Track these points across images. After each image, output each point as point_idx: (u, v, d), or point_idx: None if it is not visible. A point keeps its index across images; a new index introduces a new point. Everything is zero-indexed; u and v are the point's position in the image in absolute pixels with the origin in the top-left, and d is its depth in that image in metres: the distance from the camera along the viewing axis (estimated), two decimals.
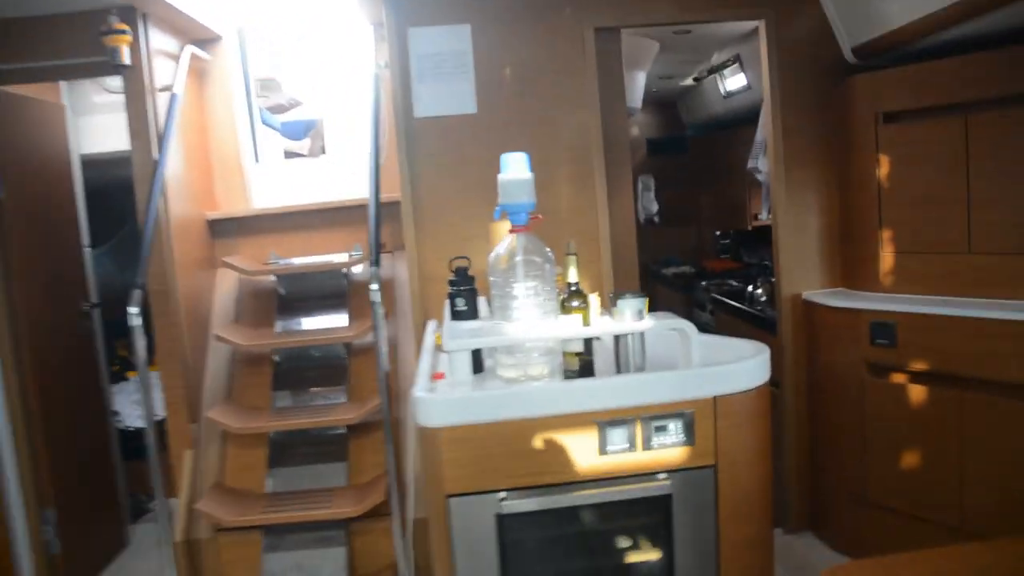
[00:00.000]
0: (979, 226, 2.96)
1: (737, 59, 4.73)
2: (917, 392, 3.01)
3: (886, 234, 3.26)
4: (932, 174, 3.08)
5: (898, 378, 3.09)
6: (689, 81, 5.47)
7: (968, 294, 3.02)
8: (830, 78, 3.47)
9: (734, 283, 5.18)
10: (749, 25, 4.07)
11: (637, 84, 4.80)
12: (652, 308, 2.12)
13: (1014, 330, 2.72)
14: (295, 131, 5.45)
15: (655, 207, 6.31)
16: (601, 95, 3.40)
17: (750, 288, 4.55)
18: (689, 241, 6.57)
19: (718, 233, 6.40)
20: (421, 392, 1.97)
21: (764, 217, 5.35)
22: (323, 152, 5.30)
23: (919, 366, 3.01)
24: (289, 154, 5.35)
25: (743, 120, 5.38)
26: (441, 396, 1.99)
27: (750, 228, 5.45)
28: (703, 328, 2.62)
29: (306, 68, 5.56)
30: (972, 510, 2.87)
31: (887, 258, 3.27)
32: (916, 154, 3.13)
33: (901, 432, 3.07)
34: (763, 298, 4.46)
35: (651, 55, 4.62)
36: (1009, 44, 2.81)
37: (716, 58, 4.92)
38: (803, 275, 3.56)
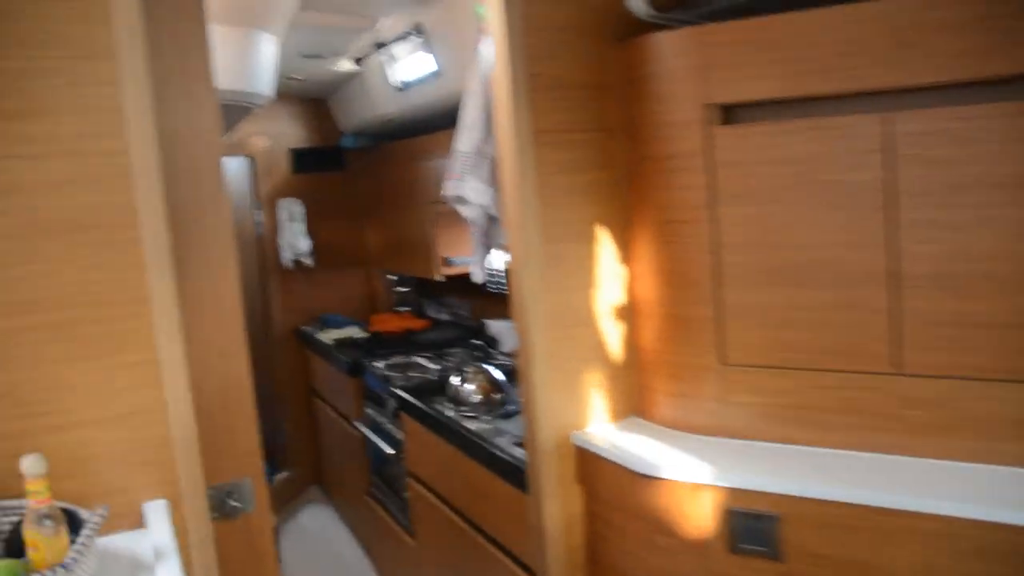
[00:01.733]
0: (913, 319, 1.56)
1: (418, 31, 3.06)
2: None
3: (731, 327, 1.77)
4: (819, 217, 1.64)
5: None
6: (346, 64, 3.71)
7: (896, 448, 1.61)
8: (610, 44, 1.93)
9: (424, 363, 3.51)
10: None
11: (261, 56, 2.92)
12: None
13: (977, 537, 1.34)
14: None
15: (305, 243, 4.46)
16: (155, 66, 1.50)
17: (455, 381, 2.90)
18: (356, 289, 4.80)
19: (393, 278, 4.73)
20: None
21: (463, 263, 3.77)
22: None
23: None
24: None
25: (427, 124, 3.75)
26: None
27: (439, 278, 3.83)
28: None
29: None
30: None
31: (733, 375, 1.78)
32: (782, 182, 1.68)
33: None
34: (475, 398, 2.84)
35: (285, 7, 2.79)
36: None
37: (385, 27, 3.21)
38: (569, 395, 1.96)
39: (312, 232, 4.54)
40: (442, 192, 2.58)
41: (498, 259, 3.77)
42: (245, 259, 4.80)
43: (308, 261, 4.52)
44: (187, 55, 1.61)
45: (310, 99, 4.55)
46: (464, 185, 2.49)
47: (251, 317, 4.90)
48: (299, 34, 3.17)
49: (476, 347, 3.79)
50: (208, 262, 1.65)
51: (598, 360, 1.98)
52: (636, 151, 1.92)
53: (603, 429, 1.96)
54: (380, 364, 3.52)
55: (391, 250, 4.41)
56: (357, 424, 3.62)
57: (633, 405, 2.03)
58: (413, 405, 2.97)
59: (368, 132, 4.50)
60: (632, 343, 2.01)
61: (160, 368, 1.47)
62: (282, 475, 4.73)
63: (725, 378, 1.78)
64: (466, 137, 2.46)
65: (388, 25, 3.19)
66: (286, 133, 4.55)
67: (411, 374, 3.34)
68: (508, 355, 3.64)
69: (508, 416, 2.73)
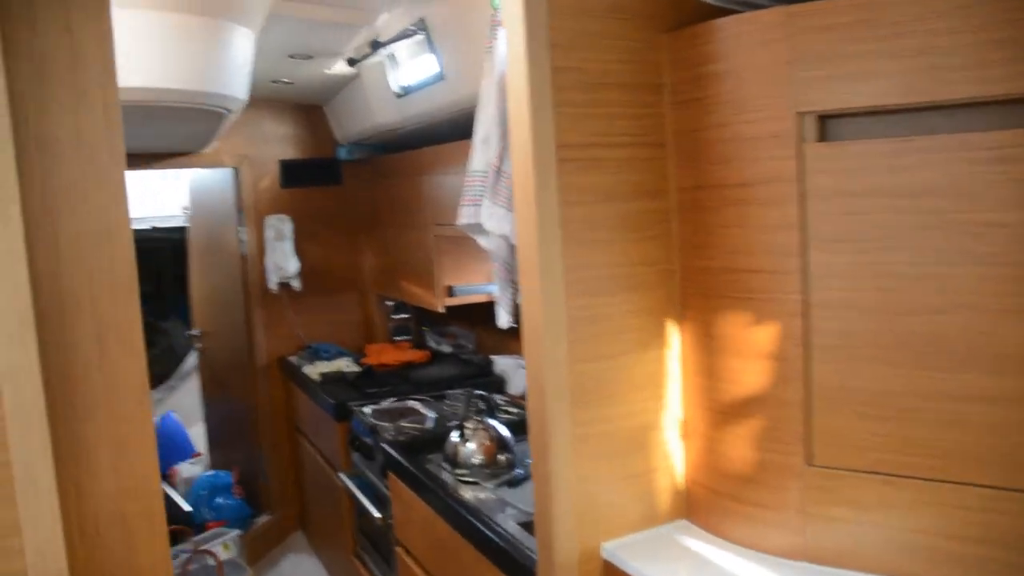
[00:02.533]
0: None
1: (420, 27, 2.62)
2: None
3: (824, 416, 1.30)
4: (957, 271, 1.17)
5: None
6: (340, 66, 3.26)
7: None
8: (660, 32, 1.47)
9: (420, 408, 3.05)
10: None
11: (233, 52, 2.48)
12: None
13: None
14: None
15: (294, 264, 4.01)
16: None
17: (454, 438, 2.43)
18: (349, 316, 4.34)
19: (390, 303, 4.27)
20: None
21: (468, 292, 3.31)
22: None
23: None
24: None
25: (432, 134, 3.31)
26: None
27: (441, 310, 3.36)
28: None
29: None
30: None
31: (824, 480, 1.30)
32: (904, 221, 1.21)
33: None
34: (476, 460, 2.38)
35: None
36: None
37: (383, 24, 2.77)
38: (599, 493, 1.49)
39: (302, 252, 4.08)
40: (457, 220, 2.15)
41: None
42: (228, 281, 4.34)
43: (296, 284, 4.06)
44: (79, 52, 1.17)
45: (303, 106, 4.11)
46: (481, 211, 2.06)
47: (233, 345, 4.50)
48: (284, 30, 2.73)
49: (480, 386, 3.34)
50: (108, 305, 1.21)
51: (639, 448, 1.51)
52: (694, 175, 1.46)
53: (646, 541, 1.49)
54: (368, 410, 3.05)
55: (389, 274, 3.95)
56: (342, 477, 3.15)
57: (683, 506, 1.55)
58: (402, 465, 2.50)
59: (366, 143, 4.05)
60: (688, 427, 1.54)
61: None
62: (262, 518, 4.26)
63: (813, 484, 1.31)
64: (480, 154, 2.03)
65: (386, 21, 2.74)
66: (275, 143, 4.10)
67: (404, 423, 2.87)
68: (517, 398, 3.17)
69: (515, 483, 2.27)
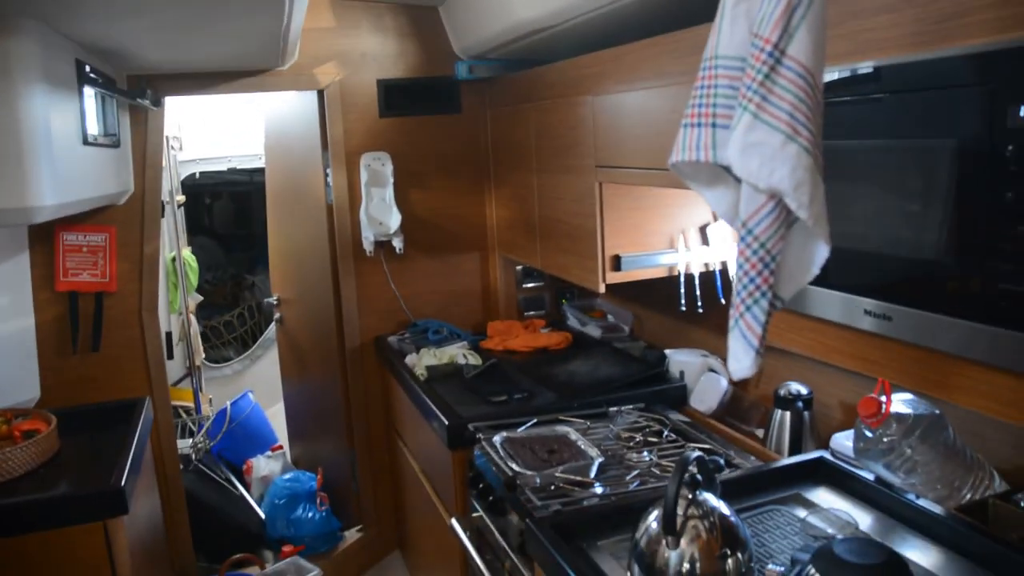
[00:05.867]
0: None
1: None
2: None
3: None
4: None
5: None
6: None
7: None
8: None
9: (577, 439, 2.05)
10: None
11: None
12: None
13: None
14: None
15: (395, 218, 3.06)
16: None
17: (654, 527, 1.42)
18: (467, 283, 3.37)
19: (519, 268, 3.29)
20: None
21: (641, 266, 2.29)
22: None
23: None
24: None
25: (592, 37, 2.26)
26: None
27: (601, 289, 2.34)
28: None
29: None
30: None
31: None
32: None
33: None
34: (688, 569, 1.37)
35: None
36: None
37: None
38: None
39: (405, 202, 3.12)
40: (671, 159, 1.13)
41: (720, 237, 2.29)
42: (310, 238, 3.42)
43: (398, 243, 3.12)
44: None
45: (411, 8, 3.10)
46: (731, 138, 1.05)
47: (316, 318, 3.50)
48: None
49: (647, 398, 2.34)
50: None
51: None
52: None
53: None
54: (499, 440, 2.06)
55: (523, 232, 2.94)
56: (456, 526, 2.20)
57: None
58: (556, 562, 1.50)
59: (495, 56, 3.02)
60: None
61: None
62: (352, 534, 3.41)
63: None
64: (733, 26, 1.04)
65: None
66: (373, 59, 3.11)
67: (557, 472, 1.87)
68: (702, 418, 2.18)
69: None
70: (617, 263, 2.29)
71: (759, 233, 1.14)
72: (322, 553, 3.26)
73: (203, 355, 4.60)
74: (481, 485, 2.08)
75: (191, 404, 4.22)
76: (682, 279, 2.36)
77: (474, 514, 2.15)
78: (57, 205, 1.93)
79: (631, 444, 2.07)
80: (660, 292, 2.47)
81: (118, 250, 2.75)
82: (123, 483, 1.93)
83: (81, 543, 1.90)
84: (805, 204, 1.07)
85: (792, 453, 1.92)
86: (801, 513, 1.64)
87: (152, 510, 2.47)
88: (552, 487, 1.83)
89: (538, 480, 1.84)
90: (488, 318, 3.31)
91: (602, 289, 2.33)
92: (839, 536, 1.48)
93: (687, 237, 2.34)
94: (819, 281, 1.24)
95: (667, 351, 2.53)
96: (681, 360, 2.47)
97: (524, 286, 3.32)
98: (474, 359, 2.80)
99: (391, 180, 3.06)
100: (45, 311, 2.65)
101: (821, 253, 1.18)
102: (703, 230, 2.36)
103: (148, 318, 2.82)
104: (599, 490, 1.81)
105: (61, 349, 2.69)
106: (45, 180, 1.85)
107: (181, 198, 4.44)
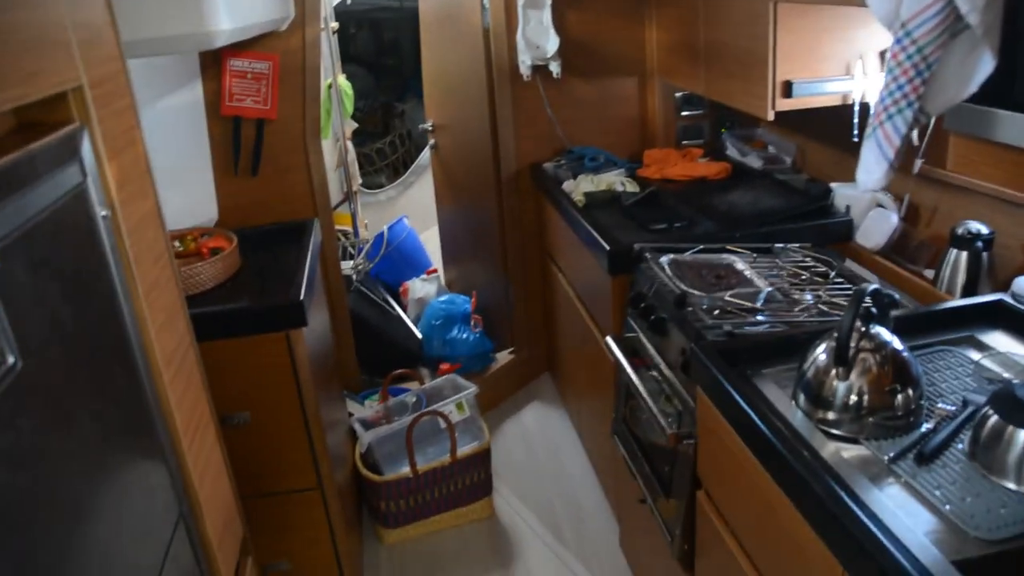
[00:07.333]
0: None
1: None
2: None
3: None
4: None
5: None
6: None
7: None
8: None
9: (745, 268, 2.03)
10: None
11: None
12: None
13: None
14: None
15: (553, 41, 2.97)
16: None
17: (823, 358, 1.41)
18: (626, 109, 3.29)
19: (678, 95, 3.17)
20: None
21: (813, 93, 2.16)
22: None
23: None
24: None
25: None
26: None
27: (770, 117, 2.23)
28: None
29: None
30: None
31: None
32: None
33: None
34: (856, 400, 1.36)
35: None
36: None
37: None
38: None
39: (563, 25, 3.02)
40: None
41: None
42: (466, 62, 3.39)
43: (555, 68, 3.05)
44: None
45: None
46: None
47: (472, 144, 3.51)
48: None
49: (811, 234, 2.27)
50: None
51: None
52: None
53: None
54: (666, 261, 2.07)
55: (685, 56, 2.80)
56: (611, 344, 2.25)
57: None
58: (725, 391, 1.53)
59: None
60: None
61: None
62: (505, 355, 3.57)
63: None
64: None
65: None
66: None
67: (727, 296, 1.87)
68: (870, 256, 2.10)
69: (925, 452, 1.26)
70: (788, 89, 2.16)
71: (918, 36, 1.03)
72: (476, 372, 3.42)
73: (360, 180, 4.76)
74: (643, 305, 2.09)
75: (349, 228, 4.41)
76: (856, 108, 2.20)
77: (628, 334, 2.19)
78: (232, 29, 1.98)
79: (797, 281, 2.03)
80: (827, 122, 2.33)
81: (281, 77, 2.80)
82: (301, 297, 2.05)
83: (267, 350, 2.06)
84: (979, 7, 0.96)
85: (965, 296, 1.82)
86: (975, 356, 1.56)
87: (323, 325, 2.63)
88: (718, 311, 1.83)
89: (705, 302, 1.85)
90: (645, 146, 3.23)
91: (771, 117, 2.21)
92: (1017, 380, 1.42)
93: (865, 62, 2.16)
94: None
95: (832, 184, 2.42)
96: (848, 194, 2.35)
97: (683, 114, 3.20)
98: (632, 187, 2.77)
99: (548, 1, 2.95)
100: (212, 137, 2.77)
101: (984, 68, 1.06)
102: (883, 55, 2.17)
103: (311, 143, 2.90)
104: (765, 318, 1.80)
105: (228, 173, 2.80)
106: (222, 5, 1.90)
107: (335, 25, 4.46)
